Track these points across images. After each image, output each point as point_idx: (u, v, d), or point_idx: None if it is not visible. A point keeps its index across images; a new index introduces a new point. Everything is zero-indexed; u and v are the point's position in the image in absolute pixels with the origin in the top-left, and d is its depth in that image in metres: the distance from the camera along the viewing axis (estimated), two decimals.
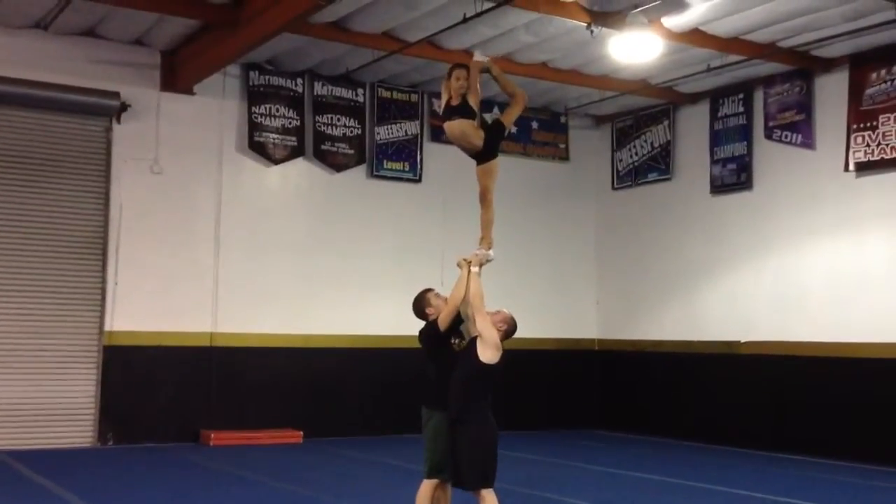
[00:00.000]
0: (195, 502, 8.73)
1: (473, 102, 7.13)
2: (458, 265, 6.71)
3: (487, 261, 6.86)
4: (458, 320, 6.62)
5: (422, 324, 6.78)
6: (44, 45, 12.21)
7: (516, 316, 6.60)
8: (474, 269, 6.58)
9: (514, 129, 15.13)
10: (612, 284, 15.82)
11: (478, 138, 7.10)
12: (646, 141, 15.30)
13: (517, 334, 6.66)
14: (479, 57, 7.56)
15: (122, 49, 12.65)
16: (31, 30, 12.14)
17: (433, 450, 6.52)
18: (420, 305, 6.73)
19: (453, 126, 7.14)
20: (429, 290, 6.80)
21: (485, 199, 7.21)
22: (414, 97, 14.57)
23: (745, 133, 13.67)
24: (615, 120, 15.84)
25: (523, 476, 9.85)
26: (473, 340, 6.42)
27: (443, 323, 6.53)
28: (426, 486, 6.57)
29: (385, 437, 13.38)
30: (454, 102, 7.14)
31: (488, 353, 6.31)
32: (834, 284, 12.43)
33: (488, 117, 7.75)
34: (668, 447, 13.46)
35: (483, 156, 7.18)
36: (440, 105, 7.65)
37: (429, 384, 6.65)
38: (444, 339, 6.60)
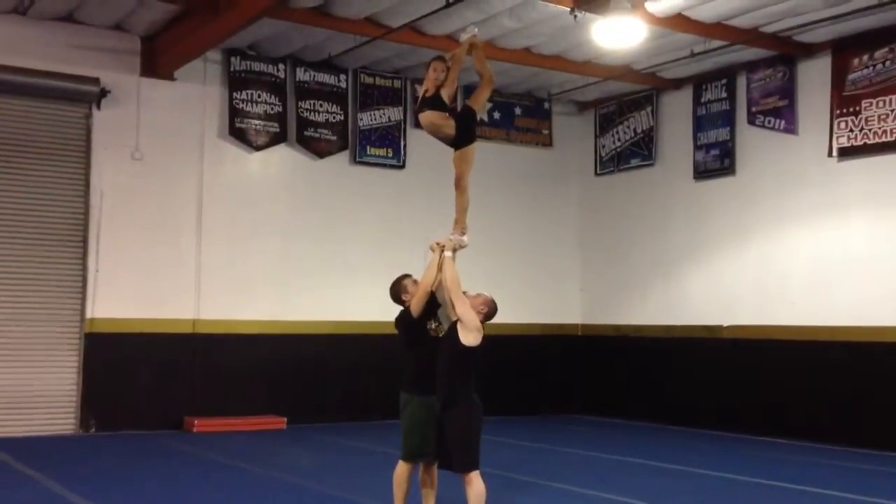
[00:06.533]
0: (179, 489, 8.70)
1: (446, 94, 7.21)
2: (431, 248, 6.73)
3: (461, 246, 6.89)
4: (432, 304, 6.63)
5: None
6: (22, 31, 12.10)
7: (499, 301, 6.60)
8: (447, 253, 6.58)
9: (496, 116, 15.17)
10: (596, 270, 15.84)
11: (449, 128, 7.20)
12: (629, 126, 15.30)
13: (501, 319, 6.68)
14: (468, 34, 7.59)
15: (101, 34, 12.54)
16: (8, 15, 12.01)
17: (411, 434, 6.58)
18: (396, 291, 6.78)
19: (425, 118, 7.28)
20: (406, 276, 6.84)
21: (460, 184, 7.29)
22: (397, 83, 14.51)
23: (728, 118, 13.69)
24: (598, 106, 15.82)
25: (506, 460, 9.87)
26: (454, 325, 6.41)
27: (415, 308, 6.55)
28: (402, 468, 6.66)
29: (368, 422, 13.38)
30: (429, 94, 7.20)
31: (470, 336, 6.32)
32: (816, 269, 12.48)
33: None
34: (651, 431, 13.52)
35: (459, 142, 7.24)
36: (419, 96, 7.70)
37: (407, 369, 6.70)
38: (420, 324, 6.62)
